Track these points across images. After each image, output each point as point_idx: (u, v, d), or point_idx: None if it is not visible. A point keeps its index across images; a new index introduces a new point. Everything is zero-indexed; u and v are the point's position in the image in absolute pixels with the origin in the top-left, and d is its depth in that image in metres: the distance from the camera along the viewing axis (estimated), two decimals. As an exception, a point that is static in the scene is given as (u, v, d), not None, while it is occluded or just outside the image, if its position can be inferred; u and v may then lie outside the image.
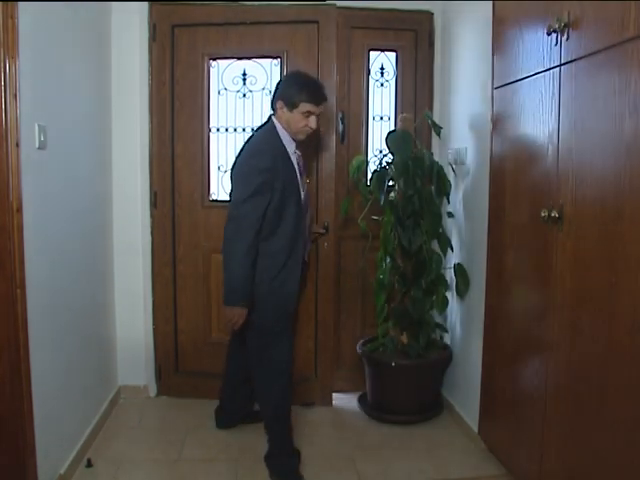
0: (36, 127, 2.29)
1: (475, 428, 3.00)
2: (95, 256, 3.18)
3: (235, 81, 3.47)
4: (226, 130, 3.52)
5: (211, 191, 3.52)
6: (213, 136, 3.51)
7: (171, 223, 3.53)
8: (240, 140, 3.47)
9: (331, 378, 3.55)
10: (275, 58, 3.40)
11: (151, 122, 3.45)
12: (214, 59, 3.45)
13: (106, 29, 3.31)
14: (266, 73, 3.44)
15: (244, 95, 3.48)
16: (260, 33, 3.36)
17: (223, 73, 3.47)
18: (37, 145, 2.31)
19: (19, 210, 2.14)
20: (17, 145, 2.12)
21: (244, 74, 3.46)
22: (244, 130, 3.50)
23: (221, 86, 3.49)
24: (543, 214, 2.21)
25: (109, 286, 3.43)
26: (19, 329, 2.16)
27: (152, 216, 3.51)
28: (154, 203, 3.50)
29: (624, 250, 1.80)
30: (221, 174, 3.53)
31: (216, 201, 3.52)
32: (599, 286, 1.93)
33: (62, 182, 2.63)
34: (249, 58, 3.44)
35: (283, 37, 3.34)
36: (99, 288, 3.25)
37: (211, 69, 3.45)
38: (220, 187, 3.53)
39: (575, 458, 2.10)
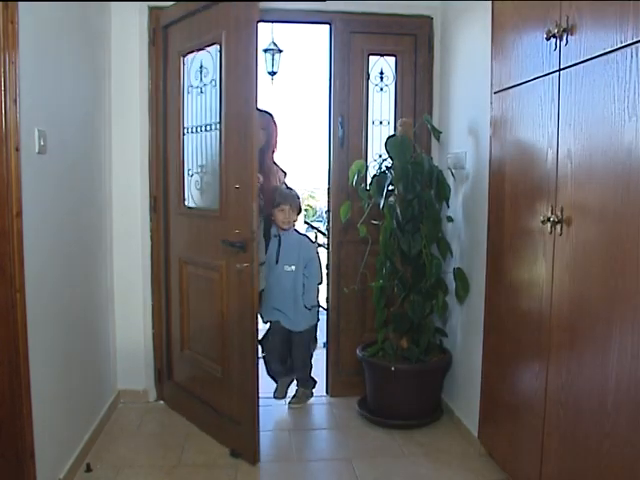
0: (36, 132, 2.30)
1: (475, 432, 2.99)
2: (95, 260, 3.18)
3: (196, 76, 3.18)
4: (191, 131, 3.26)
5: (186, 196, 3.33)
6: (186, 138, 3.29)
7: (163, 229, 3.50)
8: (199, 140, 3.18)
9: (255, 429, 2.88)
10: (216, 44, 2.97)
11: (150, 126, 3.46)
12: (184, 55, 3.24)
13: (106, 34, 3.32)
14: (213, 62, 3.03)
15: (201, 90, 3.15)
16: (208, 19, 3.00)
17: (190, 69, 3.22)
18: (37, 150, 2.31)
19: (19, 214, 2.14)
20: (17, 150, 2.12)
21: (201, 67, 3.13)
22: (202, 129, 3.17)
23: (189, 83, 3.24)
24: (542, 218, 2.22)
25: (109, 290, 3.43)
26: (18, 333, 2.16)
27: (152, 220, 3.52)
28: (154, 208, 3.50)
29: (623, 254, 1.80)
30: (188, 178, 3.31)
31: (190, 208, 3.31)
32: (599, 290, 1.93)
33: (62, 186, 2.64)
34: (201, 49, 3.09)
35: (219, 19, 2.91)
36: (98, 292, 3.25)
37: (184, 66, 3.24)
38: (189, 193, 3.31)
39: (575, 463, 2.09)
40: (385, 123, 3.71)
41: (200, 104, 3.18)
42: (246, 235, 2.78)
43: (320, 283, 3.63)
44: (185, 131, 3.31)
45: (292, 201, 3.50)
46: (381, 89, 3.69)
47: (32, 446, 2.25)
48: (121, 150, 3.44)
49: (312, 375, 3.70)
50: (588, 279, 2.00)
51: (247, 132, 2.76)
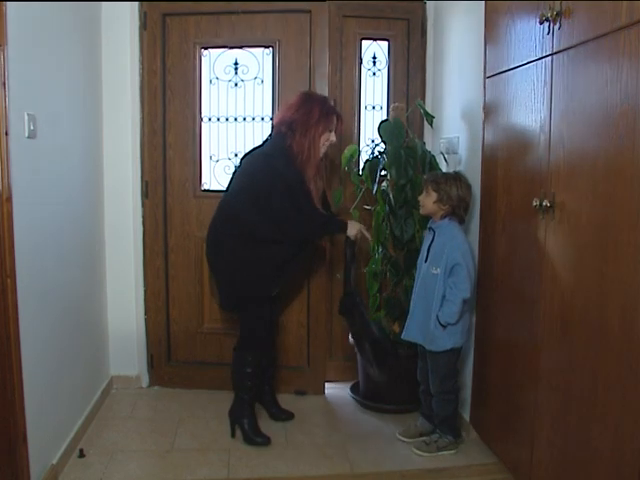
0: (25, 116, 2.27)
1: (467, 417, 3.01)
2: (86, 246, 3.16)
3: (227, 70, 3.48)
4: (217, 120, 3.53)
5: (203, 181, 3.53)
6: (205, 125, 3.52)
7: (162, 213, 3.52)
8: (232, 129, 3.49)
9: (324, 367, 3.59)
10: (267, 47, 3.41)
11: (142, 111, 3.44)
12: (205, 48, 3.45)
13: (96, 17, 3.27)
14: (258, 62, 3.46)
15: (236, 84, 3.49)
16: (252, 22, 3.38)
17: (215, 62, 3.48)
18: (27, 134, 2.29)
19: (9, 199, 2.13)
20: (6, 134, 2.10)
21: (236, 63, 3.47)
22: (235, 120, 3.52)
23: (212, 75, 3.49)
24: (535, 203, 2.22)
25: (101, 275, 3.42)
26: (9, 319, 2.15)
27: (143, 206, 3.50)
28: (145, 193, 3.49)
29: (615, 238, 1.81)
30: (213, 164, 3.54)
31: (208, 191, 3.52)
32: (590, 275, 1.94)
33: (52, 171, 2.62)
34: (241, 47, 3.45)
35: (275, 26, 3.36)
36: (90, 277, 3.24)
37: (203, 58, 3.46)
38: (212, 177, 3.54)
39: (566, 447, 2.11)
40: (378, 108, 3.70)
41: (234, 97, 3.51)
42: None
43: (466, 298, 2.73)
44: (205, 120, 3.51)
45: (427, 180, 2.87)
46: (374, 74, 3.68)
47: (25, 432, 2.25)
48: (112, 134, 3.41)
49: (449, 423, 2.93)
50: (580, 264, 2.01)
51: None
